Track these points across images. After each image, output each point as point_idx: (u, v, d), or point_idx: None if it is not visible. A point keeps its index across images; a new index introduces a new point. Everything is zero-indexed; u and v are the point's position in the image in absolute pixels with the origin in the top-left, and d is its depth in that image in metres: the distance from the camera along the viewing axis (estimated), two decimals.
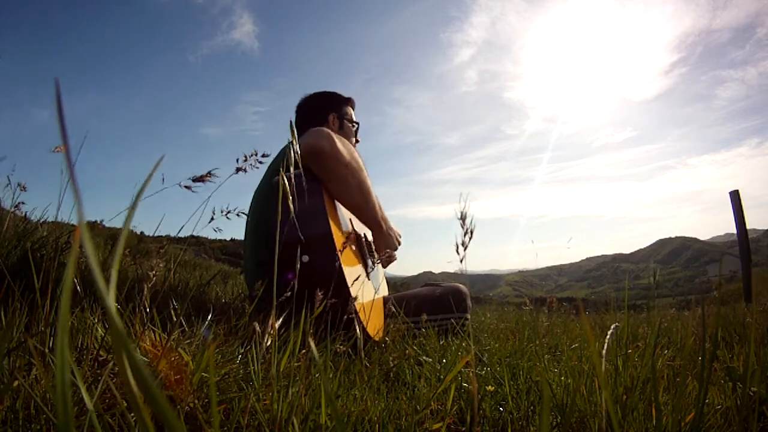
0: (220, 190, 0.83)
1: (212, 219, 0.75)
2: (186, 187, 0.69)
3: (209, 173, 0.69)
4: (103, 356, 0.62)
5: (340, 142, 1.32)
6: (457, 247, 0.48)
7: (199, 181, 0.68)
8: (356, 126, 1.81)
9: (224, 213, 0.76)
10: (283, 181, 0.60)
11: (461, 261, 0.48)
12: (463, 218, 0.47)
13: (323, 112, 1.74)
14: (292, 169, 0.63)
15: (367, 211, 1.44)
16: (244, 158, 0.72)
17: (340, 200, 1.40)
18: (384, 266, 1.90)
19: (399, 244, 1.67)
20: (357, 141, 1.83)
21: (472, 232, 0.48)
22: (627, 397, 0.63)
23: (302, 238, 1.18)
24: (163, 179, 0.69)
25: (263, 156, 0.73)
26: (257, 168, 0.73)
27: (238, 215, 0.78)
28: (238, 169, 0.72)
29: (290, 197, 0.62)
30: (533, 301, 1.78)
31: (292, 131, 0.62)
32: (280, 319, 0.60)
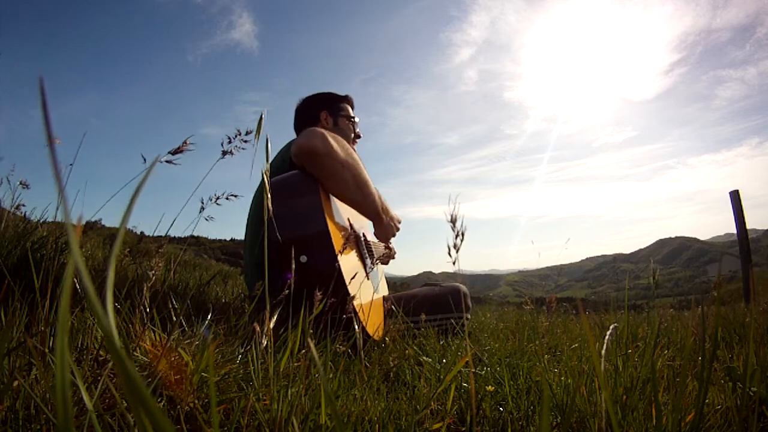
0: (222, 189, 0.83)
1: (203, 208, 0.75)
2: (167, 161, 0.68)
3: (185, 142, 0.69)
4: (103, 356, 0.62)
5: (333, 140, 1.32)
6: (449, 249, 0.47)
7: (177, 152, 0.68)
8: (354, 122, 1.81)
9: (213, 200, 0.76)
10: (268, 180, 0.60)
11: (454, 263, 0.48)
12: (453, 221, 0.47)
13: (315, 110, 1.75)
14: (268, 166, 0.63)
15: (366, 205, 1.44)
16: (228, 140, 0.72)
17: (338, 197, 1.40)
18: (385, 263, 1.90)
19: (398, 230, 1.70)
20: (359, 136, 1.83)
21: (463, 234, 0.47)
22: (627, 397, 0.63)
23: (298, 237, 1.18)
24: (144, 159, 0.67)
25: (247, 134, 0.72)
26: (243, 149, 0.73)
27: (227, 198, 0.78)
28: (224, 153, 0.72)
29: (280, 198, 0.62)
30: (533, 301, 1.78)
31: (259, 126, 0.61)
32: (274, 318, 0.61)
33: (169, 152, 0.68)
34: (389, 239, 1.66)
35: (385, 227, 1.58)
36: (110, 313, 0.14)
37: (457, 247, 0.48)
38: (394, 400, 0.71)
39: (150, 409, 0.13)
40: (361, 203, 1.43)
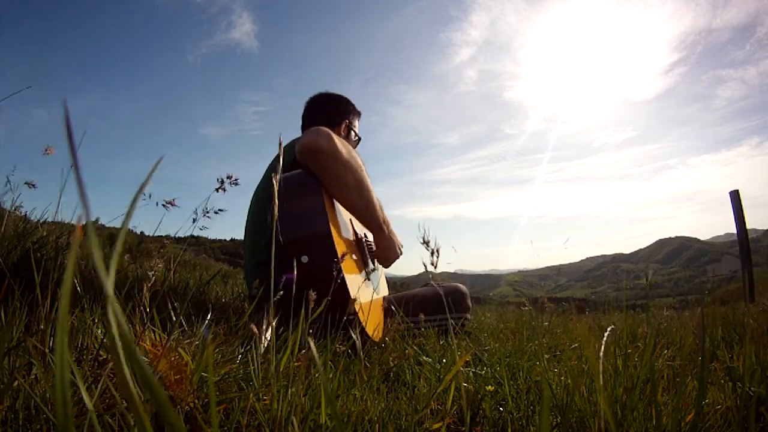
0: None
1: (194, 220, 0.82)
2: (164, 205, 0.84)
3: (173, 200, 0.85)
4: (103, 356, 0.62)
5: (338, 141, 1.31)
6: (425, 266, 0.57)
7: (170, 204, 0.85)
8: (358, 140, 1.83)
9: (205, 213, 0.83)
10: (276, 182, 0.63)
11: (431, 278, 0.59)
12: (426, 242, 0.59)
13: (339, 116, 1.75)
14: (280, 168, 0.67)
15: (367, 212, 1.41)
16: (220, 182, 0.84)
17: (339, 200, 1.39)
18: (386, 266, 1.90)
19: (400, 254, 1.64)
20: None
21: (438, 251, 0.60)
22: (627, 397, 0.63)
23: (299, 237, 1.18)
24: (150, 195, 0.84)
25: (237, 179, 0.85)
26: (237, 185, 0.85)
27: (216, 213, 0.87)
28: (217, 189, 0.84)
29: (282, 198, 0.67)
30: (532, 302, 1.78)
31: (280, 146, 0.68)
32: (275, 319, 0.61)
33: (164, 200, 0.85)
34: (391, 257, 1.58)
35: (387, 240, 1.52)
36: (115, 308, 0.14)
37: (434, 264, 0.61)
38: (394, 400, 0.71)
39: (160, 401, 0.13)
40: (362, 210, 1.40)
